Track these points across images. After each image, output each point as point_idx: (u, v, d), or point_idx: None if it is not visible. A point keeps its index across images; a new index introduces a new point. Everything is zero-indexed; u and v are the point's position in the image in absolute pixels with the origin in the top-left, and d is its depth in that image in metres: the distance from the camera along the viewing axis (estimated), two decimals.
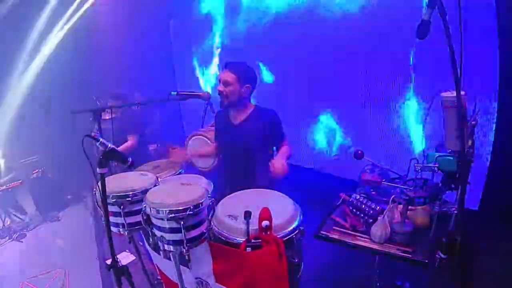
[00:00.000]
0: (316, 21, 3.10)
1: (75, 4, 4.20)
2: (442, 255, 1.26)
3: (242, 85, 1.82)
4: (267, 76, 3.71)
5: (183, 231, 1.23)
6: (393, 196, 1.55)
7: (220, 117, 2.08)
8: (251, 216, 1.29)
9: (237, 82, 1.81)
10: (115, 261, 1.36)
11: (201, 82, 4.78)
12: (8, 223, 3.65)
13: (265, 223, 1.23)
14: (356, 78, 2.94)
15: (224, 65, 1.86)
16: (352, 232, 1.57)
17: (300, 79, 3.41)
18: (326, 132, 3.35)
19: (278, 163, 1.65)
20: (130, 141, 3.10)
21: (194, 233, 1.28)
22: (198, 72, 4.78)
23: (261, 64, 3.69)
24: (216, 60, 4.41)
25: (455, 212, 1.30)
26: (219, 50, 4.32)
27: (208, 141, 2.90)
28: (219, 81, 1.85)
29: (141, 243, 2.17)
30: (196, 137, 3.11)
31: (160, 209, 1.23)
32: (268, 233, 1.25)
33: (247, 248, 1.24)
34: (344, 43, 2.93)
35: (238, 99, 1.84)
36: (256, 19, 3.65)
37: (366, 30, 2.75)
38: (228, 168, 2.08)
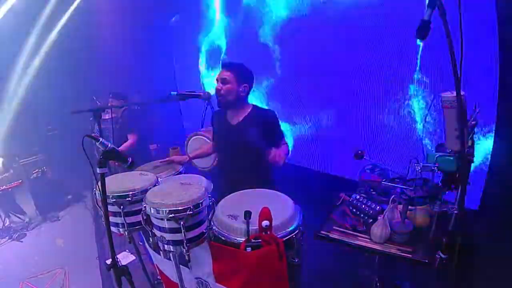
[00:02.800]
0: (317, 21, 3.10)
1: (75, 4, 4.20)
2: (442, 255, 1.26)
3: (240, 84, 1.83)
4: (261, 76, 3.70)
5: (183, 231, 1.23)
6: (393, 196, 1.55)
7: (217, 117, 2.08)
8: (251, 216, 1.29)
9: (235, 81, 1.82)
10: (115, 261, 1.36)
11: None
12: (8, 223, 3.65)
13: (265, 223, 1.23)
14: (356, 78, 2.94)
15: (222, 65, 1.89)
16: (352, 232, 1.57)
17: (299, 80, 3.41)
18: (326, 132, 3.35)
19: (275, 152, 1.69)
20: (130, 140, 3.11)
21: (194, 233, 1.28)
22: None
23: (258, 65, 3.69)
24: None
25: (455, 212, 1.30)
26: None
27: (208, 141, 2.91)
28: (217, 80, 1.87)
29: (141, 243, 2.18)
30: (196, 137, 3.12)
31: (160, 209, 1.23)
32: (268, 233, 1.25)
33: (247, 248, 1.24)
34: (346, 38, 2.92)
35: (236, 99, 1.85)
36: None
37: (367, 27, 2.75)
38: (226, 168, 2.08)
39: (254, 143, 1.79)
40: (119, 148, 2.98)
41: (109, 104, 3.14)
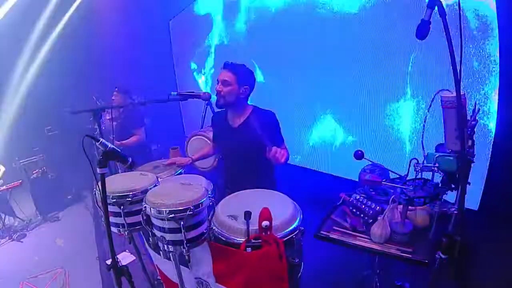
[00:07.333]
0: (315, 22, 3.11)
1: (75, 5, 4.21)
2: (442, 255, 1.26)
3: (241, 86, 1.82)
4: (260, 76, 3.71)
5: (183, 231, 1.23)
6: (393, 196, 1.55)
7: (217, 119, 2.07)
8: (251, 216, 1.29)
9: (236, 82, 1.81)
10: (115, 261, 1.36)
11: (200, 82, 4.79)
12: (9, 222, 3.65)
13: (265, 223, 1.23)
14: (356, 77, 2.94)
15: (223, 66, 1.86)
16: (352, 232, 1.57)
17: (299, 80, 3.41)
18: (325, 132, 3.35)
19: (276, 149, 1.62)
20: (137, 136, 3.12)
21: (194, 233, 1.28)
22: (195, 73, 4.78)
23: (257, 65, 3.70)
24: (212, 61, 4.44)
25: (455, 212, 1.30)
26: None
27: (208, 142, 2.90)
28: (218, 81, 1.85)
29: (141, 243, 2.18)
30: (196, 137, 3.12)
31: (160, 209, 1.23)
32: (268, 233, 1.25)
33: (247, 248, 1.24)
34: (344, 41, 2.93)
35: (235, 100, 1.84)
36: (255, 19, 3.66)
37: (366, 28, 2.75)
38: (229, 171, 2.08)
39: (256, 145, 1.78)
40: (124, 142, 2.99)
41: (112, 98, 3.12)
